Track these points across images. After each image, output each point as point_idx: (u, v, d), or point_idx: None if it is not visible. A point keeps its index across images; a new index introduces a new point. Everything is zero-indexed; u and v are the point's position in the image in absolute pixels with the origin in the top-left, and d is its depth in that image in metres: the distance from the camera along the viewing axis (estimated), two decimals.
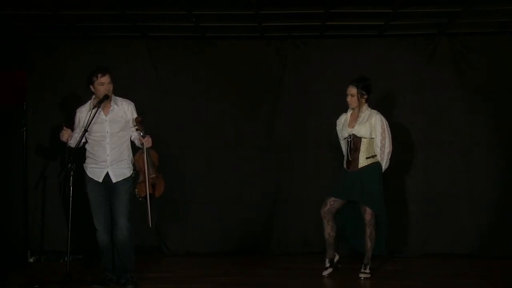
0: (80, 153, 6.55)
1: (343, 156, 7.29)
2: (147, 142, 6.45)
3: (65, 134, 6.48)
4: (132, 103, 6.63)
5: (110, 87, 6.47)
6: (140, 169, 6.67)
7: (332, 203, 7.10)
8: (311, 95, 8.45)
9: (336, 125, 7.32)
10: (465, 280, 7.07)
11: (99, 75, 6.43)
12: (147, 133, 6.52)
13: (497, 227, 8.21)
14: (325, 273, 7.14)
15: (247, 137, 8.50)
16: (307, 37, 8.46)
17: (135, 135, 6.56)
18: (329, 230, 7.13)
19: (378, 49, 8.42)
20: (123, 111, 6.53)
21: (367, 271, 7.04)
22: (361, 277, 7.00)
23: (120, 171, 6.48)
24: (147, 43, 8.48)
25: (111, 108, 6.51)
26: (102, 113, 6.49)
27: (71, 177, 6.48)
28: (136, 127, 6.45)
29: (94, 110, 6.40)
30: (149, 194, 6.57)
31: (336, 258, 7.23)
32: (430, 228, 8.33)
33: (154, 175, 6.63)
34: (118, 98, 6.60)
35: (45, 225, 8.38)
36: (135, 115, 6.56)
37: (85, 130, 6.40)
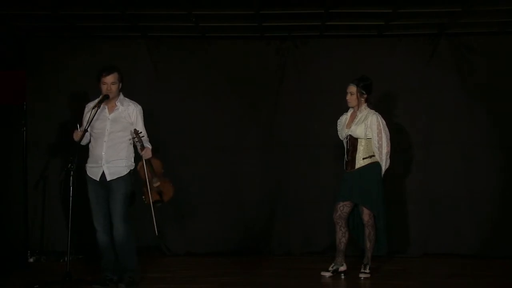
0: (80, 153, 6.55)
1: (344, 156, 7.29)
2: (146, 153, 6.41)
3: (77, 134, 6.50)
4: (139, 107, 6.58)
5: (113, 87, 6.45)
6: (142, 178, 6.64)
7: (342, 208, 7.06)
8: (311, 95, 8.45)
9: (337, 125, 7.31)
10: (465, 280, 7.06)
11: (104, 74, 6.43)
12: (152, 137, 6.52)
13: (497, 227, 8.21)
14: (324, 273, 7.12)
15: (247, 137, 8.50)
16: (307, 37, 8.46)
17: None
18: (340, 235, 7.07)
19: (378, 49, 8.43)
20: (128, 112, 6.51)
21: (367, 271, 7.04)
22: (361, 277, 6.99)
23: (115, 169, 6.42)
24: (147, 43, 8.49)
25: (116, 107, 6.50)
26: (106, 110, 6.49)
27: (71, 177, 6.48)
28: (136, 138, 6.39)
29: (94, 110, 6.41)
30: (157, 200, 6.56)
31: (343, 268, 7.11)
32: (430, 228, 8.33)
33: (158, 183, 6.57)
34: (126, 99, 6.58)
35: (45, 225, 8.38)
36: (139, 119, 6.53)
37: (85, 130, 6.43)
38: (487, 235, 8.22)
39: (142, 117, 6.59)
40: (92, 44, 8.45)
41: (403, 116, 8.36)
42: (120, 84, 6.51)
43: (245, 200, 8.48)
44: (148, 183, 6.47)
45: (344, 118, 7.21)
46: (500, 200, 8.26)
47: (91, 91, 7.88)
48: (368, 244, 7.04)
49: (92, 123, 6.43)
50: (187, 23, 7.91)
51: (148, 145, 6.50)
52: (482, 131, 8.31)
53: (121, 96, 6.58)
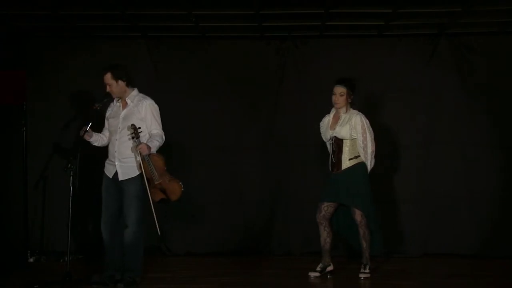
0: (81, 153, 6.55)
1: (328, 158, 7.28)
2: (141, 149, 6.34)
3: (83, 130, 6.53)
4: (151, 101, 6.53)
5: (112, 88, 6.45)
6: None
7: (326, 208, 7.07)
8: (311, 95, 8.45)
9: (320, 127, 7.29)
10: (465, 280, 7.06)
11: (102, 74, 6.45)
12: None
13: (497, 227, 8.21)
14: (311, 274, 7.12)
15: (247, 137, 8.50)
16: (307, 37, 8.47)
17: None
18: (325, 236, 7.09)
19: (378, 49, 8.43)
20: (137, 108, 6.48)
21: (367, 270, 7.03)
22: (361, 277, 6.99)
23: (127, 169, 6.41)
24: (147, 43, 8.49)
25: (127, 104, 6.52)
26: (120, 108, 6.53)
27: (71, 177, 6.49)
28: (132, 134, 6.34)
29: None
30: (162, 199, 6.45)
31: (330, 268, 7.14)
32: (430, 228, 8.33)
33: (159, 181, 6.42)
34: (140, 95, 6.57)
35: (45, 225, 8.38)
36: (149, 114, 6.48)
37: (86, 131, 6.44)
38: (487, 235, 8.21)
39: (155, 112, 6.53)
40: (92, 44, 8.45)
41: (403, 116, 8.36)
42: (120, 82, 6.47)
43: (245, 200, 8.49)
44: (146, 181, 6.39)
45: (327, 120, 7.20)
46: (500, 200, 8.26)
47: (91, 91, 7.90)
48: (364, 244, 7.03)
49: (109, 121, 6.55)
50: (187, 23, 7.91)
51: (155, 141, 6.43)
52: (482, 131, 8.31)
53: (134, 92, 6.57)
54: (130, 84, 6.57)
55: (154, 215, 6.35)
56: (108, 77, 6.46)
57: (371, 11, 7.54)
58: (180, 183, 6.54)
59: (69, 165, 6.46)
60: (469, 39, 8.33)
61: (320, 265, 7.14)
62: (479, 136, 8.31)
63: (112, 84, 6.46)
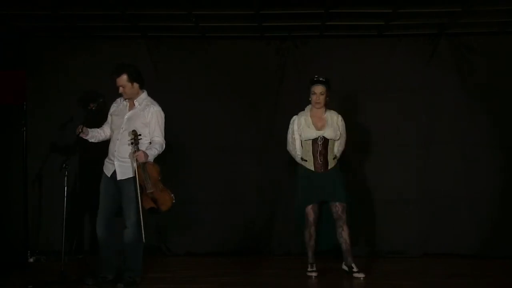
0: (80, 153, 6.55)
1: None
2: (138, 156, 6.29)
3: (78, 129, 6.49)
4: (158, 108, 6.47)
5: (125, 89, 6.39)
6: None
7: (316, 210, 7.13)
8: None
9: (292, 124, 7.22)
10: (465, 280, 7.06)
11: (114, 76, 6.40)
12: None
13: (497, 227, 8.21)
14: (312, 274, 7.14)
15: (247, 137, 8.50)
16: (307, 37, 8.47)
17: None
18: (315, 236, 7.18)
19: (378, 49, 8.43)
20: (143, 112, 6.45)
21: (358, 269, 7.03)
22: (361, 277, 6.98)
23: (126, 168, 6.39)
24: (147, 43, 8.49)
25: (135, 106, 6.49)
26: (127, 108, 6.50)
27: (66, 177, 6.48)
28: (132, 140, 6.31)
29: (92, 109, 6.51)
30: (152, 208, 6.40)
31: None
32: (430, 228, 8.33)
33: (151, 190, 6.36)
34: (148, 98, 6.52)
35: (45, 225, 8.38)
36: (153, 120, 6.44)
37: (81, 130, 6.42)
38: (487, 235, 8.21)
39: (160, 120, 6.48)
40: (92, 44, 8.45)
41: (403, 116, 8.36)
42: (135, 84, 6.42)
43: (245, 200, 8.48)
44: (138, 187, 6.32)
45: (303, 118, 7.16)
46: (500, 200, 8.26)
47: (91, 91, 7.90)
48: (349, 241, 7.03)
49: (112, 118, 6.51)
50: (187, 23, 7.91)
51: (154, 149, 6.39)
52: (482, 131, 8.31)
53: (143, 95, 6.51)
54: (143, 86, 6.54)
55: (142, 222, 6.30)
56: (123, 79, 6.39)
57: (371, 11, 7.54)
58: (172, 195, 6.48)
59: (64, 164, 6.45)
60: (469, 39, 8.33)
61: (314, 264, 7.17)
62: (479, 136, 8.31)
63: (127, 86, 6.40)
